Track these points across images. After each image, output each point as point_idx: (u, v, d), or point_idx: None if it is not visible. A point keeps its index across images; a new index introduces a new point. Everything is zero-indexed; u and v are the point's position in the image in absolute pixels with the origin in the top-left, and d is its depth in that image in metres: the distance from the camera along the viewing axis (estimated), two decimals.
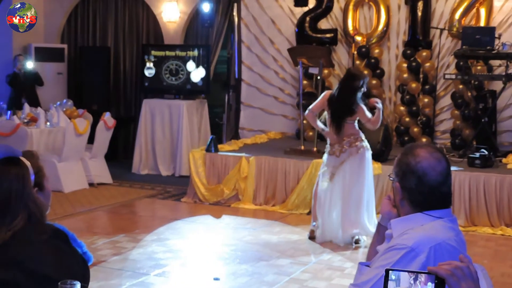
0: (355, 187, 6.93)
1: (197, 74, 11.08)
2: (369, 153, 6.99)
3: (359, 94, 6.84)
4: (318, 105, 7.06)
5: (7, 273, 2.44)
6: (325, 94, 7.07)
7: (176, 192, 9.61)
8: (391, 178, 2.46)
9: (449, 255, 2.22)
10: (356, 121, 6.95)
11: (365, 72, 10.28)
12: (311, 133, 10.29)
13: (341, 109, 6.87)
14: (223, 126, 11.00)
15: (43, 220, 2.60)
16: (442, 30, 9.94)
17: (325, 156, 7.11)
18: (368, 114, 6.89)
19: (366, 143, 6.98)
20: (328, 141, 7.10)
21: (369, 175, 7.03)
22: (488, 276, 2.31)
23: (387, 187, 8.24)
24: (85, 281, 2.51)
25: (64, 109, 10.20)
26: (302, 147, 9.15)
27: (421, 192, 2.35)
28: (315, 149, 8.89)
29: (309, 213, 8.27)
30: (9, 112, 9.72)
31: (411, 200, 2.37)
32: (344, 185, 6.95)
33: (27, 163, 2.60)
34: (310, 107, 7.11)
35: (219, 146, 9.37)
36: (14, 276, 2.43)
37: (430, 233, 2.27)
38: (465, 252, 2.31)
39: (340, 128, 6.88)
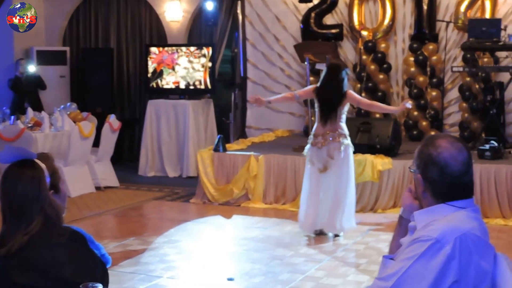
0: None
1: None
2: (351, 150, 7.05)
3: (346, 82, 6.99)
4: (302, 93, 7.31)
5: (25, 277, 2.41)
6: (311, 86, 7.23)
7: (184, 193, 9.53)
8: (412, 170, 2.44)
9: (474, 245, 2.22)
10: (344, 116, 6.97)
11: (372, 67, 10.26)
12: None
13: (331, 96, 6.93)
14: (230, 125, 10.89)
15: (60, 223, 2.57)
16: (448, 23, 9.88)
17: (308, 146, 7.10)
18: (358, 96, 7.21)
19: (349, 141, 7.00)
20: (313, 132, 7.07)
21: (353, 174, 7.14)
22: None
23: (398, 182, 8.17)
24: (104, 283, 2.49)
25: (68, 113, 10.10)
26: None
27: (443, 183, 2.32)
28: None
29: None
30: (12, 117, 9.62)
31: (433, 191, 2.34)
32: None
33: (42, 165, 2.55)
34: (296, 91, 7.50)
35: (227, 145, 9.30)
36: (33, 281, 2.41)
37: (455, 223, 2.26)
38: (488, 241, 2.31)
39: (328, 117, 6.91)
